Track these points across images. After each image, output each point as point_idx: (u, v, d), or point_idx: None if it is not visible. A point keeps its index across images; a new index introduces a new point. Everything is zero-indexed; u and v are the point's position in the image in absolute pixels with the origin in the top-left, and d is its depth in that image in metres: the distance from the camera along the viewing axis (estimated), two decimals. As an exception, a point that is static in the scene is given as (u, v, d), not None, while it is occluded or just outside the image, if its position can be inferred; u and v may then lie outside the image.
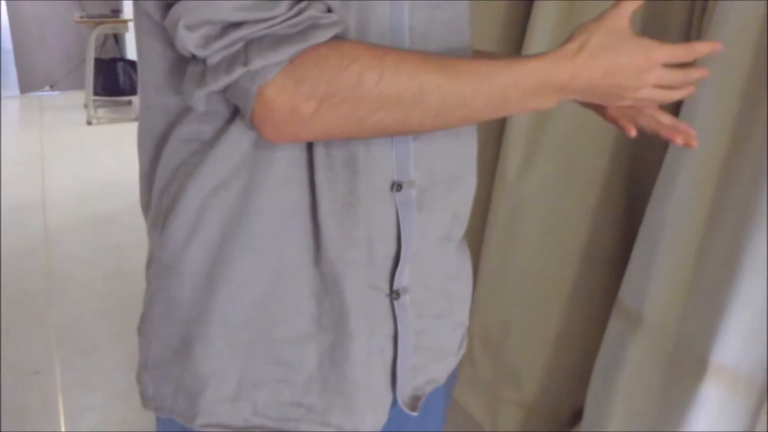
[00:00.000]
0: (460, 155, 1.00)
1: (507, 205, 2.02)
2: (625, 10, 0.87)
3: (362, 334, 0.92)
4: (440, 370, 1.10)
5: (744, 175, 1.37)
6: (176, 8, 0.74)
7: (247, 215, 0.86)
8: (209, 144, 0.85)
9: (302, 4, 0.74)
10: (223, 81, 0.75)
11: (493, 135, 2.12)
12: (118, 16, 6.41)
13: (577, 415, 2.01)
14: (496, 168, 2.06)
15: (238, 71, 0.74)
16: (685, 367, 1.48)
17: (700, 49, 0.91)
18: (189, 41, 0.74)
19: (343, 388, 0.94)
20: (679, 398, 1.48)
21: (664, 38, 1.65)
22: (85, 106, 6.41)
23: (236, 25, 0.73)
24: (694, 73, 0.92)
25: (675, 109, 1.71)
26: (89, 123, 6.18)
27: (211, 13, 0.73)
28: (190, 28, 0.74)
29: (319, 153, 0.84)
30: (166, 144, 0.88)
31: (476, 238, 2.17)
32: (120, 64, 6.68)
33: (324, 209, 0.86)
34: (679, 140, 1.00)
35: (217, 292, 0.89)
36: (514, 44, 2.03)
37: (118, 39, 7.18)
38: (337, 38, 0.78)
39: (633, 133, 1.02)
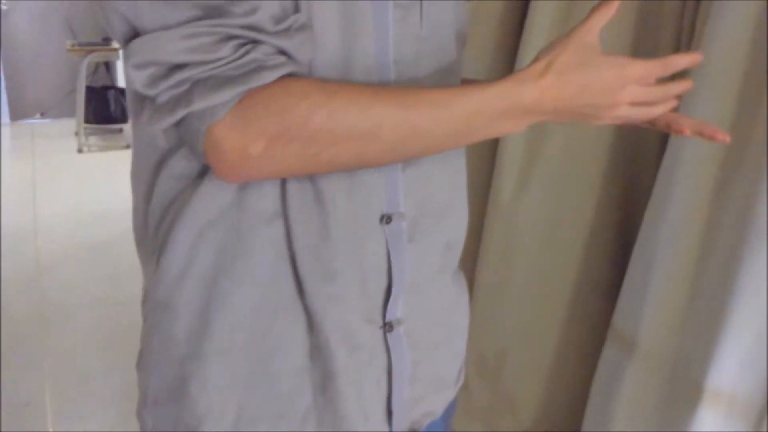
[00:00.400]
0: (451, 184, 1.00)
1: (501, 230, 2.01)
2: (593, 25, 0.84)
3: (349, 370, 0.92)
4: (438, 403, 1.09)
5: (738, 198, 1.37)
6: (129, 47, 0.76)
7: (238, 250, 0.86)
8: (198, 181, 0.86)
9: (247, 47, 0.74)
10: (167, 120, 0.77)
11: (486, 159, 2.13)
12: (109, 44, 6.42)
13: (574, 442, 2.00)
14: (488, 192, 2.06)
15: (181, 111, 0.75)
16: (681, 392, 1.48)
17: (677, 62, 0.87)
18: (137, 80, 0.75)
19: (337, 423, 0.94)
20: (676, 423, 1.48)
21: (656, 39, 1.67)
22: (76, 133, 6.41)
23: (181, 66, 0.74)
24: (674, 88, 0.89)
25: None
26: (80, 151, 6.17)
27: (158, 54, 0.74)
28: (138, 67, 0.75)
29: (292, 188, 0.85)
30: (157, 180, 0.89)
31: (470, 263, 2.17)
32: (111, 92, 6.70)
33: (298, 243, 0.86)
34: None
35: (212, 327, 0.89)
36: (510, 45, 2.03)
37: (109, 67, 7.20)
38: (292, 77, 0.78)
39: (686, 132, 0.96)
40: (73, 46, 6.43)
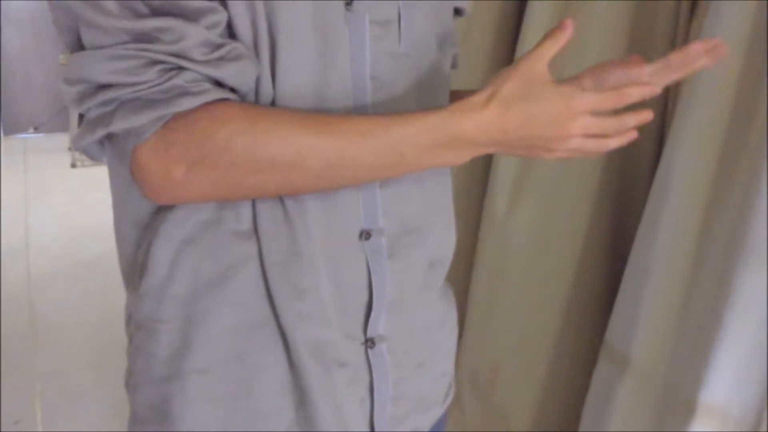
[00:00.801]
0: (430, 203, 0.99)
1: (494, 246, 2.02)
2: (542, 53, 0.82)
3: (325, 387, 0.92)
4: (424, 421, 1.08)
5: (730, 214, 1.37)
6: (67, 62, 0.78)
7: (215, 269, 0.87)
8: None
9: (172, 73, 0.75)
10: (88, 138, 0.78)
11: (479, 176, 2.13)
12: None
13: (567, 458, 1.99)
14: (482, 209, 2.07)
15: (101, 131, 0.77)
16: (674, 408, 1.48)
17: (631, 94, 0.83)
18: (67, 95, 0.77)
19: None
20: (669, 440, 1.47)
21: (650, 40, 1.68)
22: (70, 148, 6.41)
23: (107, 86, 0.75)
24: (630, 120, 0.85)
25: (659, 139, 1.72)
26: (73, 166, 6.17)
27: (86, 72, 0.75)
28: (69, 82, 0.77)
29: (263, 206, 0.85)
30: (129, 198, 0.89)
31: (464, 279, 2.17)
32: (105, 107, 6.70)
33: (268, 261, 0.86)
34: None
35: (192, 347, 0.89)
36: (508, 45, 2.04)
37: (102, 81, 7.20)
38: (223, 102, 0.78)
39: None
40: (66, 60, 6.44)
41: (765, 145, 1.28)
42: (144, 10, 0.74)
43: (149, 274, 0.88)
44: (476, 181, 2.13)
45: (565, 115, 0.81)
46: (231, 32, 0.80)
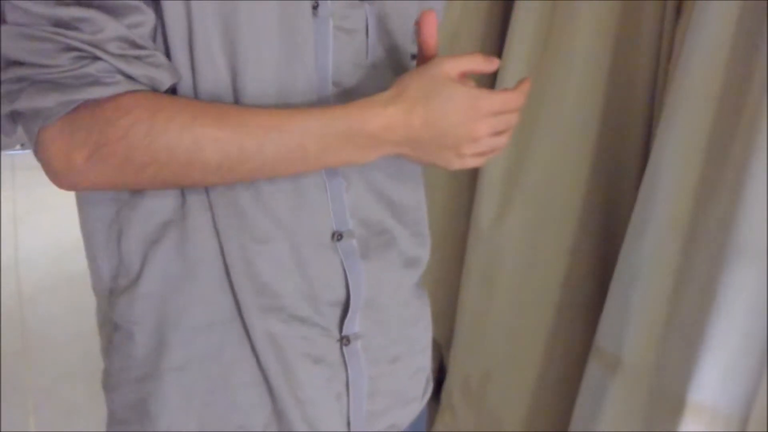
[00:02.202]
0: (400, 207, 0.99)
1: (483, 252, 2.02)
2: (459, 62, 0.83)
3: (287, 384, 0.93)
4: (403, 417, 1.10)
5: (717, 216, 1.38)
6: None
7: (182, 267, 0.88)
8: (132, 201, 0.87)
9: (85, 61, 0.75)
10: None
11: (467, 184, 2.14)
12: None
13: (559, 461, 2.00)
14: (470, 217, 2.07)
15: (6, 107, 0.77)
16: (664, 407, 1.49)
17: (525, 95, 0.86)
18: None
19: None
20: (659, 439, 1.48)
21: (636, 41, 1.68)
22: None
23: (19, 63, 0.75)
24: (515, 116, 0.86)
25: (646, 137, 1.74)
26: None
27: (1, 47, 0.75)
28: None
29: (220, 203, 0.86)
30: (93, 202, 0.91)
31: (453, 286, 2.17)
32: (92, 122, 6.65)
33: (229, 257, 0.87)
34: None
35: (167, 345, 0.90)
36: (495, 45, 2.04)
37: (89, 97, 7.16)
38: (136, 91, 0.78)
39: None
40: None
41: (751, 145, 1.29)
42: None
43: (119, 275, 0.90)
44: (464, 187, 2.14)
45: (472, 115, 0.81)
46: (165, 32, 0.80)
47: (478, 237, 2.02)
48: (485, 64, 0.85)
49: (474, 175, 2.08)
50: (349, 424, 1.01)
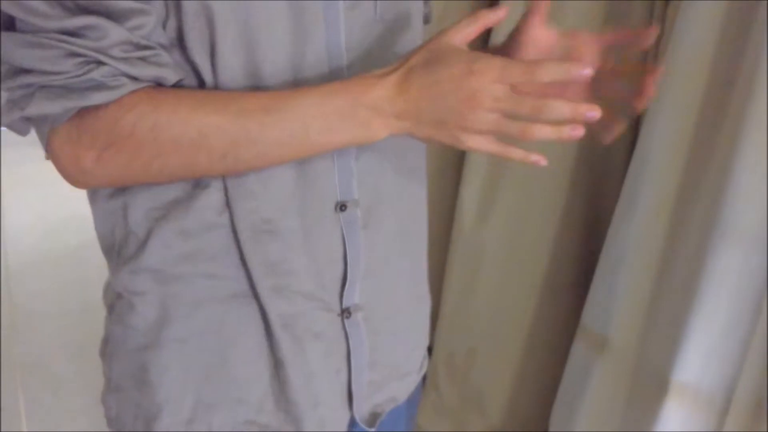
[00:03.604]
0: (405, 173, 0.99)
1: (469, 230, 2.03)
2: (458, 29, 0.79)
3: (297, 358, 0.94)
4: (400, 389, 1.11)
5: (703, 199, 1.40)
6: None
7: (192, 240, 0.88)
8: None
9: (90, 66, 0.75)
10: (7, 118, 0.79)
11: (453, 163, 2.15)
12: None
13: (542, 439, 2.03)
14: (457, 194, 2.08)
15: (16, 113, 0.77)
16: (647, 388, 1.51)
17: (549, 70, 0.74)
18: None
19: (290, 409, 0.96)
20: (642, 418, 1.50)
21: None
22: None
23: (27, 71, 0.76)
24: (559, 107, 0.74)
25: (634, 127, 1.75)
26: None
27: (7, 53, 0.76)
28: None
29: (234, 182, 0.86)
30: None
31: (438, 264, 2.20)
32: (79, 98, 6.59)
33: (242, 236, 0.88)
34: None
35: (171, 318, 0.91)
36: (479, 46, 2.03)
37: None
38: (145, 88, 0.79)
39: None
40: None
41: (738, 130, 1.31)
42: (72, 7, 0.74)
43: (124, 246, 0.90)
44: (450, 167, 2.15)
45: (468, 78, 0.75)
46: (182, 27, 0.80)
47: (465, 216, 2.04)
48: (490, 17, 0.81)
49: (461, 154, 2.09)
50: (351, 396, 1.02)
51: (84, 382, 2.82)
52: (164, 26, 0.80)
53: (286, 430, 0.97)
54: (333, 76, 0.86)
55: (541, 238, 1.91)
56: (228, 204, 0.87)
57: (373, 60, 0.89)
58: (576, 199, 1.87)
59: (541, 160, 0.81)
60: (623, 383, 1.58)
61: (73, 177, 0.82)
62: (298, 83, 0.84)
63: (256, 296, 0.91)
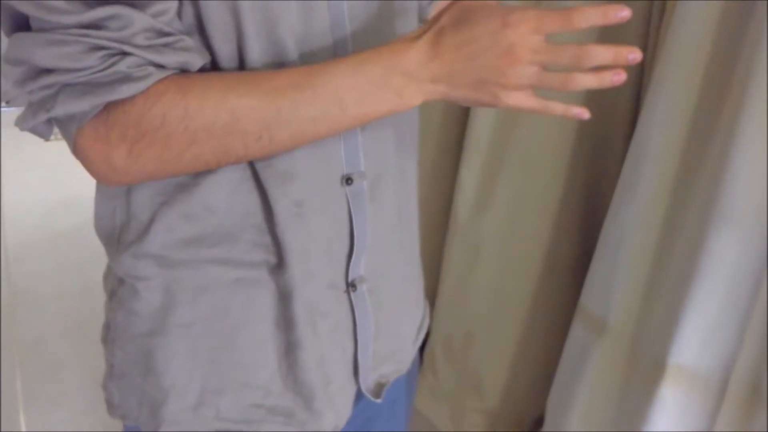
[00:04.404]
0: (404, 146, 0.99)
1: (468, 213, 2.03)
2: None
3: (311, 339, 0.93)
4: (403, 355, 1.11)
5: (702, 183, 1.39)
6: (9, 42, 0.75)
7: (196, 224, 0.87)
8: None
9: (114, 58, 0.73)
10: (30, 122, 0.77)
11: (452, 150, 2.15)
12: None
13: (539, 421, 2.03)
14: (456, 175, 2.08)
15: (42, 115, 0.75)
16: (644, 370, 1.51)
17: (582, 19, 0.71)
18: (10, 75, 0.75)
19: (300, 390, 0.96)
20: (638, 401, 1.50)
21: (622, 38, 1.68)
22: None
23: (49, 71, 0.74)
24: (597, 52, 0.72)
25: (633, 111, 1.75)
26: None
27: (27, 54, 0.73)
28: (12, 62, 0.75)
29: (245, 170, 0.85)
30: None
31: (437, 245, 2.19)
32: (79, 80, 6.59)
33: (276, 219, 0.86)
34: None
35: (176, 303, 0.90)
36: None
37: (76, 54, 7.08)
38: (170, 76, 0.77)
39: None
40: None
41: (739, 112, 1.30)
42: None
43: (126, 230, 0.89)
44: (450, 148, 2.15)
45: (503, 32, 0.72)
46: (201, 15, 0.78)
47: (464, 197, 2.03)
48: None
49: (461, 131, 2.08)
50: (356, 369, 1.02)
51: (83, 363, 2.82)
52: (179, 14, 0.78)
53: (295, 411, 0.97)
54: (337, 47, 0.85)
55: (540, 221, 1.91)
56: (236, 186, 0.85)
57: (375, 31, 0.88)
58: (575, 182, 1.87)
59: (584, 113, 0.79)
60: (620, 365, 1.58)
61: (105, 175, 0.79)
62: (303, 56, 0.83)
63: (275, 280, 0.89)
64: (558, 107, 0.79)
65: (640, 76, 1.71)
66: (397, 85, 0.77)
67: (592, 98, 1.62)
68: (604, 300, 1.61)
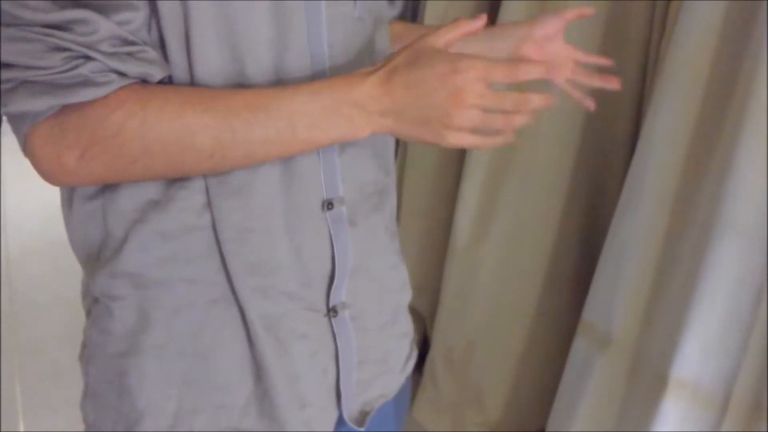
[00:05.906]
0: (382, 169, 0.99)
1: (469, 223, 2.03)
2: (441, 33, 0.82)
3: (282, 360, 0.92)
4: (390, 385, 1.10)
5: (704, 196, 1.40)
6: None
7: (171, 243, 0.87)
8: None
9: (78, 61, 0.73)
10: None
11: (454, 163, 2.15)
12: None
13: (540, 434, 2.03)
14: (457, 187, 2.08)
15: None
16: (647, 384, 1.51)
17: (527, 70, 0.80)
18: None
19: (275, 414, 0.95)
20: (640, 414, 1.50)
21: (624, 42, 1.69)
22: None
23: (9, 66, 0.74)
24: (533, 99, 0.79)
25: (635, 124, 1.75)
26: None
27: None
28: None
29: (214, 182, 0.85)
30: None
31: (437, 257, 2.19)
32: (81, 87, 6.59)
33: (222, 237, 0.86)
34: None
35: (148, 323, 0.89)
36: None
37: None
38: (131, 85, 0.77)
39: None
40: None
41: (741, 122, 1.30)
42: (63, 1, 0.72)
43: (102, 249, 0.89)
44: (452, 160, 2.15)
45: (452, 76, 0.77)
46: (160, 23, 0.79)
47: (466, 210, 2.03)
48: (471, 24, 0.84)
49: (461, 156, 2.08)
50: (339, 396, 1.00)
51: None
52: (149, 26, 0.79)
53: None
54: (315, 75, 0.87)
55: (542, 233, 1.91)
56: (209, 204, 0.85)
57: (354, 59, 0.90)
58: (578, 194, 1.87)
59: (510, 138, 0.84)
60: (623, 378, 1.58)
61: (52, 176, 0.79)
62: (281, 82, 0.84)
63: (236, 299, 0.89)
64: (496, 142, 0.85)
65: (642, 90, 1.72)
66: (348, 114, 0.80)
67: (594, 113, 1.63)
68: (607, 313, 1.60)
